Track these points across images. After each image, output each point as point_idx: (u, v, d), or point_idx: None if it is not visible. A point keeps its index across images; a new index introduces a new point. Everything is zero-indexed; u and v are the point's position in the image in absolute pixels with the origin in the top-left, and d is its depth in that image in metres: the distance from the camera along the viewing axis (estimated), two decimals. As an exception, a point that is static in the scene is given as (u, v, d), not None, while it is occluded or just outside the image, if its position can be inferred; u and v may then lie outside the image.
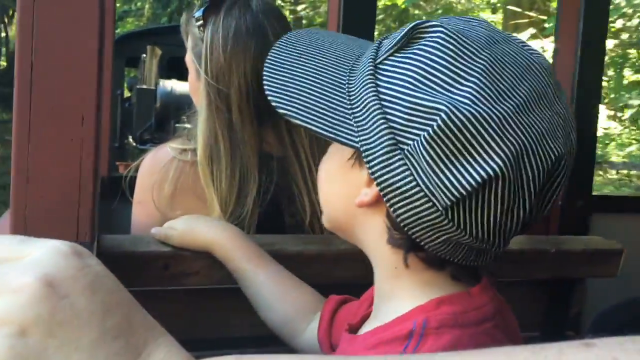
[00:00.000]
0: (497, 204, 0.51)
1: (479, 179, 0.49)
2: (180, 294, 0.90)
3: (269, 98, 0.58)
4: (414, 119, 0.51)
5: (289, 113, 0.56)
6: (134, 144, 4.84)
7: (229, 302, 0.87)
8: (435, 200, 0.51)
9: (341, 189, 0.61)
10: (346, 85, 0.57)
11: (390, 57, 0.55)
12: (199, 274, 0.86)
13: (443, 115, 0.49)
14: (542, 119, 0.52)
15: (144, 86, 5.16)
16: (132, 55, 5.79)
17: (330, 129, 0.55)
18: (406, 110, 0.51)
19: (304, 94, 0.57)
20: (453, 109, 0.49)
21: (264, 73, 0.60)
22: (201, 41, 1.08)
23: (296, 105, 0.56)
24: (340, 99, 0.57)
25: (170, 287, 0.86)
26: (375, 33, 1.68)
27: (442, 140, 0.50)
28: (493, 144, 0.49)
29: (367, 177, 0.56)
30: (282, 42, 0.63)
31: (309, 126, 0.56)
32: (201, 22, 1.08)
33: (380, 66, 0.55)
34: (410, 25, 0.55)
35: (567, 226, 1.72)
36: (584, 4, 1.75)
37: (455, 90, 0.50)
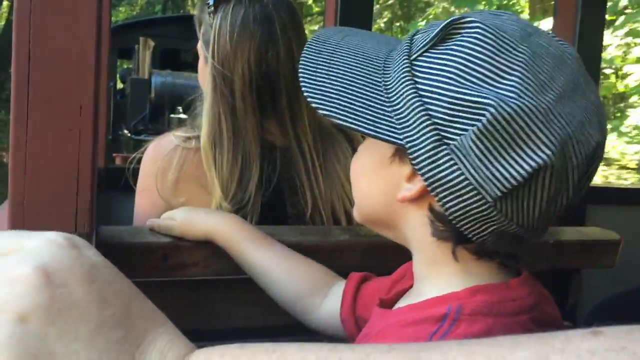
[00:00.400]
0: (544, 193, 0.53)
1: (529, 169, 0.51)
2: (180, 285, 0.90)
3: (309, 100, 0.58)
4: (459, 114, 0.51)
5: (330, 114, 0.57)
6: (129, 134, 4.82)
7: (228, 293, 0.87)
8: (484, 193, 0.52)
9: (381, 184, 0.61)
10: (382, 83, 0.58)
11: (426, 53, 0.55)
12: (198, 264, 0.86)
13: (492, 110, 0.50)
14: (580, 107, 0.53)
15: (138, 77, 5.15)
16: (125, 47, 5.77)
17: (372, 127, 0.56)
18: (450, 106, 0.52)
19: (343, 94, 0.57)
20: (501, 103, 0.50)
21: (300, 74, 0.60)
22: (210, 27, 1.10)
23: (336, 105, 0.57)
24: (379, 97, 0.57)
25: (170, 278, 0.86)
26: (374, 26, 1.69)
27: (492, 134, 0.50)
28: (540, 135, 0.50)
29: (408, 172, 0.57)
30: (312, 42, 0.63)
31: (352, 125, 0.56)
32: (212, 8, 1.10)
33: (417, 62, 0.55)
34: (447, 21, 0.55)
35: (562, 217, 1.73)
36: None
37: (499, 85, 0.51)
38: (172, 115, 4.45)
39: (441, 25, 0.55)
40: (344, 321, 0.79)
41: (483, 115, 0.50)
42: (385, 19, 13.33)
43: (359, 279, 0.80)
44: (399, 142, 0.55)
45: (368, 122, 0.56)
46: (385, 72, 0.58)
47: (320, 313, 0.82)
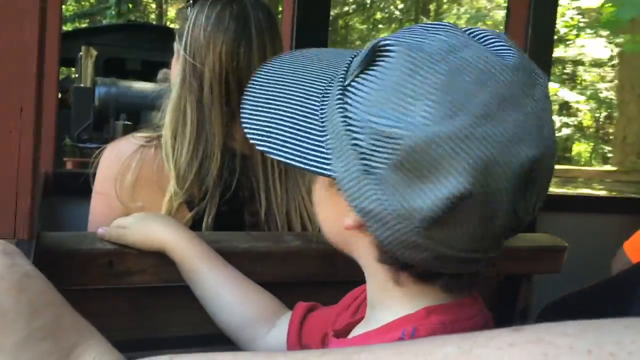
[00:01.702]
0: (473, 218, 0.51)
1: (446, 201, 0.49)
2: (125, 293, 0.88)
3: (248, 136, 0.58)
4: (380, 144, 0.50)
5: (267, 150, 0.57)
6: (72, 143, 4.72)
7: (175, 300, 0.85)
8: (409, 222, 0.51)
9: (330, 213, 0.62)
10: (319, 111, 0.57)
11: (357, 79, 0.54)
12: (145, 272, 0.84)
13: (406, 140, 0.48)
14: (507, 123, 0.49)
15: (82, 85, 5.06)
16: (66, 56, 5.64)
17: (300, 159, 0.55)
18: (372, 136, 0.51)
19: (279, 128, 0.57)
20: (413, 133, 0.48)
21: (241, 108, 0.61)
22: (186, 20, 1.10)
23: (272, 141, 0.57)
24: (314, 127, 0.56)
25: (115, 286, 0.84)
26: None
27: (405, 165, 0.49)
28: (454, 163, 0.48)
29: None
30: (260, 71, 0.63)
31: (285, 160, 0.56)
32: (191, 2, 1.11)
33: (349, 89, 0.54)
34: (372, 44, 0.53)
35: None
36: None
37: (412, 112, 0.49)
38: (116, 122, 4.38)
39: (368, 49, 0.53)
40: (290, 349, 0.77)
41: (398, 145, 0.49)
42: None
43: (305, 309, 0.79)
44: (326, 173, 0.54)
45: (300, 154, 0.55)
46: (324, 100, 0.58)
47: (267, 341, 0.80)
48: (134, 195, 1.03)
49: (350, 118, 0.53)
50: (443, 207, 0.49)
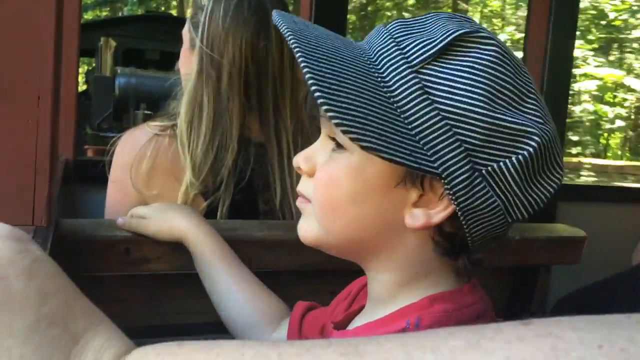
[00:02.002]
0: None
1: (552, 191, 0.53)
2: (142, 279, 0.89)
3: (335, 122, 0.47)
4: (496, 139, 0.49)
5: (372, 147, 0.47)
6: (93, 132, 4.78)
7: (190, 288, 0.86)
8: (508, 216, 0.53)
9: (377, 210, 0.54)
10: (386, 99, 0.50)
11: (434, 65, 0.50)
12: (161, 259, 0.85)
13: (537, 139, 0.50)
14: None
15: (101, 74, 5.11)
16: (86, 47, 5.70)
17: (410, 158, 0.48)
18: (484, 131, 0.49)
19: (370, 117, 0.48)
20: (540, 131, 0.50)
21: (312, 85, 0.48)
22: (201, 10, 1.10)
23: (370, 135, 0.47)
24: (394, 117, 0.49)
25: (132, 273, 0.85)
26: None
27: (533, 161, 0.50)
28: (558, 158, 0.53)
29: (416, 196, 0.52)
30: (300, 41, 0.51)
31: (393, 157, 0.48)
32: None
33: (424, 74, 0.50)
34: (457, 32, 0.50)
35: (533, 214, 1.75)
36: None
37: (525, 109, 0.51)
38: (136, 111, 4.42)
39: (452, 35, 0.50)
40: None
41: (529, 144, 0.50)
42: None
43: (304, 308, 0.79)
44: (434, 171, 0.49)
45: (404, 151, 0.48)
46: (385, 83, 0.51)
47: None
48: (149, 184, 1.04)
49: (444, 110, 0.49)
50: (548, 199, 0.52)
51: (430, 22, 0.54)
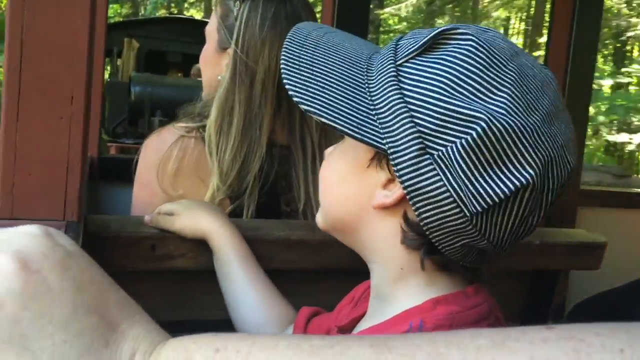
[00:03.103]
0: (519, 212, 0.53)
1: (512, 187, 0.51)
2: (167, 276, 0.91)
3: (291, 94, 0.56)
4: (448, 124, 0.51)
5: (314, 110, 0.55)
6: (108, 138, 4.82)
7: (214, 284, 0.87)
8: (463, 207, 0.52)
9: (354, 190, 0.60)
10: (365, 84, 0.56)
11: (414, 60, 0.54)
12: (186, 256, 0.87)
13: (483, 124, 0.50)
14: (560, 131, 0.53)
15: (116, 80, 5.14)
16: (109, 47, 5.76)
17: (357, 129, 0.54)
18: (438, 116, 0.51)
19: (327, 91, 0.56)
20: (492, 119, 0.50)
21: (283, 68, 0.58)
22: (233, 13, 1.11)
23: (320, 103, 0.55)
24: (362, 99, 0.56)
25: (157, 269, 0.87)
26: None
27: (480, 148, 0.50)
28: (526, 155, 0.51)
29: (385, 178, 0.56)
30: (293, 35, 0.61)
31: (338, 126, 0.54)
32: None
33: (403, 68, 0.54)
34: (438, 30, 0.54)
35: (554, 219, 1.74)
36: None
37: (490, 100, 0.51)
38: (152, 118, 4.45)
39: (432, 33, 0.54)
40: None
41: (473, 128, 0.50)
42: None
43: (309, 313, 0.80)
44: (382, 146, 0.54)
45: (353, 123, 0.54)
46: (369, 74, 0.57)
47: None
48: (175, 184, 1.06)
49: (408, 96, 0.53)
50: (507, 194, 0.51)
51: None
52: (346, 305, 0.73)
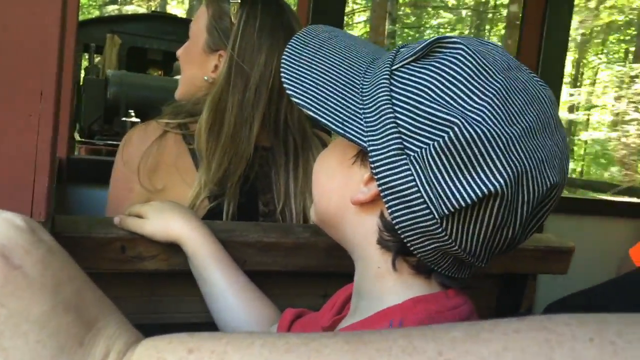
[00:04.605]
0: (490, 221, 0.54)
1: (479, 193, 0.52)
2: (138, 277, 0.89)
3: (285, 85, 0.60)
4: (426, 127, 0.53)
5: (302, 102, 0.58)
6: (81, 138, 4.76)
7: (185, 287, 0.86)
8: (433, 208, 0.53)
9: (339, 184, 0.62)
10: (360, 85, 0.59)
11: (408, 65, 0.56)
12: (156, 257, 0.85)
13: (455, 129, 0.51)
14: (544, 146, 0.54)
15: (94, 77, 5.08)
16: (89, 42, 5.68)
17: (340, 125, 0.57)
18: (418, 119, 0.53)
19: (320, 87, 0.59)
20: (466, 124, 0.51)
21: (283, 61, 0.62)
22: (226, 16, 1.12)
23: (310, 97, 0.58)
24: (353, 98, 0.58)
25: (128, 271, 0.85)
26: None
27: (451, 152, 0.51)
28: (497, 163, 0.51)
29: (367, 176, 0.58)
30: (302, 34, 0.65)
31: (320, 118, 0.57)
32: (239, 1, 1.12)
33: (397, 72, 0.57)
34: (433, 39, 0.56)
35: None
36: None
37: (469, 107, 0.52)
38: (123, 119, 4.41)
39: (427, 42, 0.56)
40: None
41: (446, 132, 0.51)
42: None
43: (293, 315, 0.80)
44: (362, 143, 0.56)
45: (338, 119, 0.57)
46: (365, 76, 0.60)
47: None
48: (154, 179, 1.05)
49: (395, 98, 0.55)
50: (475, 199, 0.52)
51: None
52: (329, 309, 0.74)
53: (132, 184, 1.06)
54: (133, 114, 4.30)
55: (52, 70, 0.68)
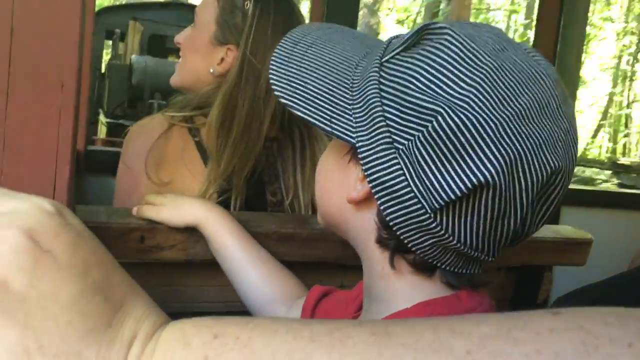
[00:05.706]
0: (486, 212, 0.51)
1: (469, 184, 0.49)
2: (158, 267, 0.90)
3: (272, 86, 0.58)
4: (411, 118, 0.50)
5: (289, 102, 0.57)
6: (106, 119, 4.79)
7: (205, 276, 0.87)
8: (424, 202, 0.51)
9: (337, 184, 0.61)
10: (351, 80, 0.57)
11: (397, 56, 0.54)
12: (175, 247, 0.86)
13: (439, 117, 0.49)
14: (542, 129, 0.50)
15: (118, 62, 5.12)
16: (111, 29, 5.72)
17: (327, 121, 0.55)
18: (405, 110, 0.51)
19: (308, 85, 0.57)
20: (450, 112, 0.48)
21: (271, 60, 0.60)
22: (239, 10, 1.12)
23: (298, 96, 0.57)
24: (343, 94, 0.56)
25: (146, 260, 0.86)
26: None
27: (436, 142, 0.49)
28: (487, 151, 0.48)
29: (361, 173, 0.56)
30: (293, 33, 0.63)
31: (308, 117, 0.56)
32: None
33: (386, 64, 0.54)
34: (420, 27, 0.54)
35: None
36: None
37: (455, 94, 0.49)
38: (150, 101, 4.43)
39: (414, 31, 0.54)
40: None
41: (430, 121, 0.49)
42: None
43: (320, 292, 0.80)
44: (350, 139, 0.54)
45: (326, 116, 0.56)
46: (356, 71, 0.58)
47: None
48: (160, 172, 1.05)
49: (384, 91, 0.53)
50: (465, 190, 0.49)
51: None
52: (352, 300, 0.73)
53: (138, 177, 1.06)
54: (158, 96, 4.32)
55: (73, 62, 0.69)
